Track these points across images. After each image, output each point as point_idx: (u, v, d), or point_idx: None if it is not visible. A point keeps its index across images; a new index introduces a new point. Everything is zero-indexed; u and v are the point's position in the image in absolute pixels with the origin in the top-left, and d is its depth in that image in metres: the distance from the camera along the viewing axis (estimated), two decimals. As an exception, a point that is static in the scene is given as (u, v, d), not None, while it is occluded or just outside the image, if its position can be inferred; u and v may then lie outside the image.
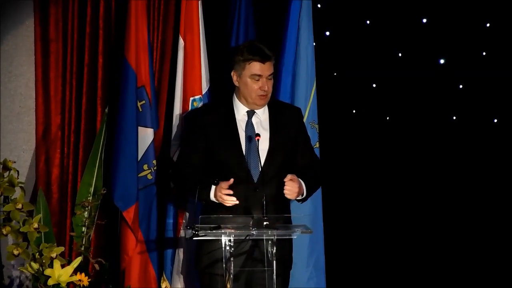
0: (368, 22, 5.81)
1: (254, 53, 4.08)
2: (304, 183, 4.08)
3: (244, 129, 4.14)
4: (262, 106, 4.16)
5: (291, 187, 3.98)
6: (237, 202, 3.98)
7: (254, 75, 4.08)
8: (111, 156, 4.76)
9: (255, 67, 4.08)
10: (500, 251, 5.79)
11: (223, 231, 3.74)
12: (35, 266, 4.26)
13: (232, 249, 3.75)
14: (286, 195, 4.00)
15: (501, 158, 5.82)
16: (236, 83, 4.15)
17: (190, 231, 3.71)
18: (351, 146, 5.88)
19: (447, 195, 5.86)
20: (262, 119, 4.16)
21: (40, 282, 4.25)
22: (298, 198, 4.10)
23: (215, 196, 4.02)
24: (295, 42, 4.94)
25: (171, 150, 4.79)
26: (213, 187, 4.02)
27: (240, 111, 4.17)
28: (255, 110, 4.16)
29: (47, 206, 4.66)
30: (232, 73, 4.15)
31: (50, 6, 4.88)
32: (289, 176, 3.97)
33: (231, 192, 3.97)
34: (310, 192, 4.16)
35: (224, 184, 3.99)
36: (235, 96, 4.20)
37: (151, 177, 4.78)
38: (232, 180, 3.97)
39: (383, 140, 5.90)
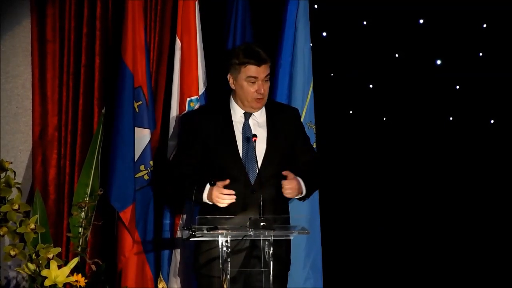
0: (365, 22, 5.81)
1: (250, 56, 4.08)
2: (304, 181, 4.08)
3: (241, 131, 4.14)
4: (259, 109, 4.17)
5: (291, 186, 3.99)
6: (233, 200, 3.98)
7: (250, 77, 4.08)
8: (108, 157, 4.75)
9: (251, 70, 4.08)
10: (496, 251, 5.79)
11: (220, 232, 3.74)
12: (32, 267, 4.25)
13: (229, 250, 3.75)
14: (286, 195, 4.01)
15: (498, 159, 5.83)
16: (232, 86, 4.16)
17: (187, 232, 3.72)
18: (348, 146, 5.88)
19: (444, 196, 5.86)
20: (259, 120, 4.17)
21: (37, 283, 4.24)
22: (298, 197, 4.10)
23: (210, 197, 4.02)
24: (292, 43, 4.94)
25: (168, 150, 4.79)
26: (207, 189, 4.02)
27: (237, 113, 4.17)
28: (252, 112, 4.16)
29: (43, 207, 4.65)
30: (228, 76, 4.16)
31: (47, 7, 4.88)
32: (285, 173, 3.97)
33: (230, 192, 3.97)
34: (310, 191, 4.16)
35: (220, 184, 3.99)
36: (231, 99, 4.21)
37: (148, 177, 4.79)
38: (228, 180, 3.97)
39: (380, 141, 5.90)
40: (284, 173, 3.99)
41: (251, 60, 4.08)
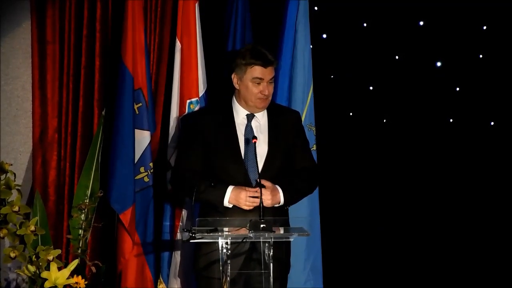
0: (365, 24, 5.81)
1: (256, 57, 4.07)
2: (286, 190, 4.07)
3: (243, 133, 4.13)
4: (262, 109, 4.16)
5: (265, 196, 3.95)
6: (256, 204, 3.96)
7: (256, 78, 4.07)
8: (108, 159, 4.75)
9: (257, 71, 4.07)
10: (496, 252, 5.79)
11: (220, 233, 3.74)
12: (32, 268, 4.25)
13: (229, 251, 3.75)
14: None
15: (498, 161, 5.83)
16: (236, 86, 4.15)
17: (187, 233, 3.70)
18: (348, 148, 5.88)
19: (444, 197, 5.87)
20: (261, 123, 4.15)
21: (37, 285, 4.24)
22: (276, 206, 4.07)
23: (235, 200, 4.00)
24: (292, 45, 4.94)
25: (168, 152, 4.79)
26: (229, 192, 4.01)
27: (240, 114, 4.16)
28: (255, 114, 4.16)
29: (43, 209, 4.65)
30: (232, 76, 4.14)
31: (47, 8, 4.88)
32: (264, 182, 3.96)
33: (257, 195, 3.96)
34: (293, 199, 4.14)
35: (248, 188, 3.98)
36: (234, 99, 4.19)
37: (148, 179, 4.78)
38: (257, 188, 3.94)
39: (380, 143, 5.90)
40: (263, 182, 3.96)
41: (258, 61, 4.07)
